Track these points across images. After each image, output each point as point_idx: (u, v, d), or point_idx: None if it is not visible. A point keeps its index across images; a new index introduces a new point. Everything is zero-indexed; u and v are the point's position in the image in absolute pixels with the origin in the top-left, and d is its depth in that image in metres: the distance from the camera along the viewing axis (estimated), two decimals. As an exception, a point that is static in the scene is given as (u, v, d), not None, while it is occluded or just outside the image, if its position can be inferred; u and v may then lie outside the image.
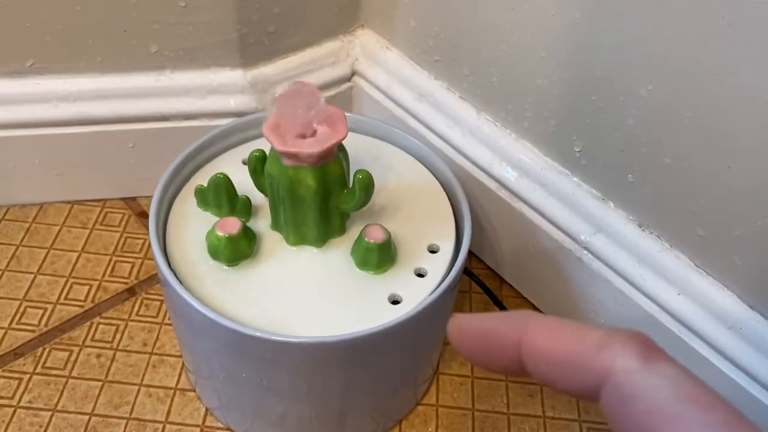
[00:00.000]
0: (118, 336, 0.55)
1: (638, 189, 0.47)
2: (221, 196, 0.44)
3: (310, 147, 0.39)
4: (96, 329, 0.56)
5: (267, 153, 0.42)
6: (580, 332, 0.20)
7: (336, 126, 0.40)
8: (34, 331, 0.55)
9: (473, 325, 0.21)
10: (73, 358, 0.54)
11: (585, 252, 0.51)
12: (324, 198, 0.41)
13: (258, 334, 0.38)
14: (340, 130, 0.40)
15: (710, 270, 0.46)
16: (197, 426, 0.50)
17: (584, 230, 0.51)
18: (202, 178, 0.46)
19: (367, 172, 0.41)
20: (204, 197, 0.45)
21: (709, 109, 0.40)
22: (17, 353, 0.54)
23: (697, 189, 0.43)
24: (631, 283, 0.49)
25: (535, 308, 0.60)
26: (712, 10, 0.37)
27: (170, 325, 0.56)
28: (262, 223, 0.45)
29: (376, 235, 0.42)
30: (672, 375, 0.18)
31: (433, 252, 0.45)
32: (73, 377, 0.53)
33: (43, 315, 0.57)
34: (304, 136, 0.40)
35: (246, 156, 0.44)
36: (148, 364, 0.54)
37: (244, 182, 0.44)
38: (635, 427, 0.18)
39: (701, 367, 0.46)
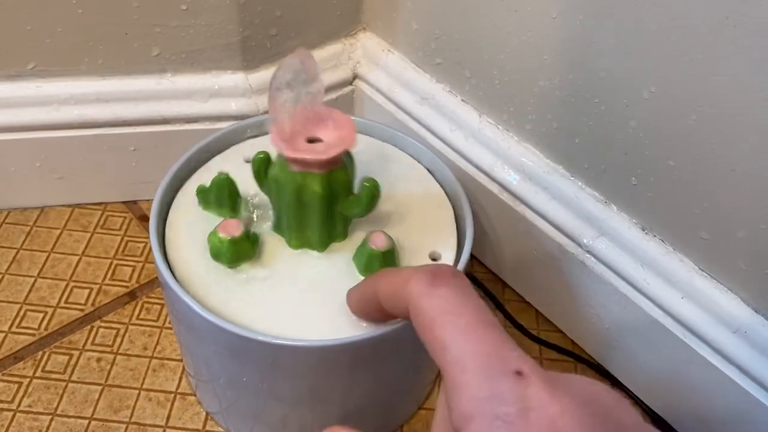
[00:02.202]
0: (119, 340, 0.55)
1: (641, 192, 0.47)
2: (223, 197, 0.44)
3: (319, 153, 0.39)
4: (96, 333, 0.56)
5: (271, 155, 0.42)
6: (402, 271, 0.27)
7: (345, 133, 0.40)
8: (34, 335, 0.55)
9: (353, 294, 0.36)
10: (73, 362, 0.53)
11: (588, 255, 0.51)
12: (329, 204, 0.41)
13: (259, 337, 0.38)
14: (349, 138, 0.40)
15: (714, 273, 0.45)
16: (198, 430, 0.50)
17: (587, 233, 0.51)
18: (204, 180, 0.46)
19: (375, 180, 0.41)
20: (206, 197, 0.45)
21: (713, 111, 0.40)
22: (17, 357, 0.54)
23: (701, 192, 0.43)
24: (635, 287, 0.49)
25: (537, 312, 0.59)
26: (716, 11, 0.37)
27: (171, 328, 0.56)
28: (263, 225, 0.45)
29: (380, 243, 0.42)
30: (447, 296, 0.25)
31: (434, 259, 0.45)
32: (73, 381, 0.52)
33: (43, 318, 0.56)
34: (311, 139, 0.40)
35: (247, 154, 0.43)
36: (148, 368, 0.53)
37: (245, 181, 0.44)
38: (422, 338, 0.24)
39: (706, 372, 0.46)
